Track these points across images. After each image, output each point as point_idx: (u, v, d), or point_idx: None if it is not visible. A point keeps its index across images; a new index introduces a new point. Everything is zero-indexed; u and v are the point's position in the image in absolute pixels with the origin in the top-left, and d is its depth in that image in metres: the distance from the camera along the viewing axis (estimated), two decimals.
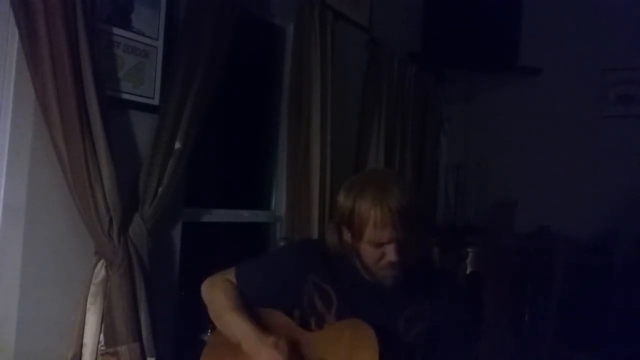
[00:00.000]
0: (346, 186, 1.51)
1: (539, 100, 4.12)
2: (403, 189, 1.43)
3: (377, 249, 1.42)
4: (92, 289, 1.85)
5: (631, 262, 3.63)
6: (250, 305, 1.56)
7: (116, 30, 1.94)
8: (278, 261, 1.65)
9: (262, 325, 1.50)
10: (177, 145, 2.04)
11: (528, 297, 3.36)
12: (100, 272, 1.86)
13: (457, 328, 1.50)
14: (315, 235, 2.68)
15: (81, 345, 1.83)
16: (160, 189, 2.00)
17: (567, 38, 4.01)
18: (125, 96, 1.99)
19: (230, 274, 1.60)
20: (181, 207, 2.25)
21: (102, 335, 1.85)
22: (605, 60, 3.93)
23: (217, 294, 1.57)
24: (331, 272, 1.54)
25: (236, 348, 1.50)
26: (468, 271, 3.40)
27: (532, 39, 3.95)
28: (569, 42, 4.01)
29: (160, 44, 2.09)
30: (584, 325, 3.40)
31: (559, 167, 4.01)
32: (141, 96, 2.03)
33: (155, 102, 2.07)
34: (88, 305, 1.85)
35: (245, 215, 2.78)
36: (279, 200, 2.87)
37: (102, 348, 1.85)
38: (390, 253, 1.41)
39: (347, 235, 1.48)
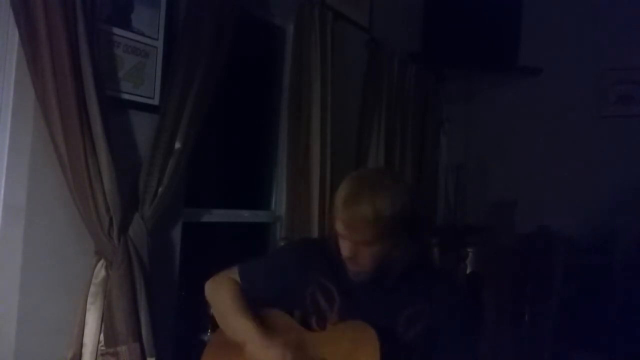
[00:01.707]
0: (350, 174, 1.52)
1: (539, 100, 4.12)
2: (374, 198, 1.36)
3: (342, 239, 1.43)
4: (92, 289, 1.85)
5: (631, 262, 3.63)
6: (254, 305, 1.55)
7: (116, 30, 1.94)
8: (281, 260, 1.65)
9: (266, 326, 1.50)
10: (177, 145, 2.04)
11: (528, 297, 3.36)
12: (100, 272, 1.86)
13: (456, 328, 1.50)
14: (315, 235, 2.68)
15: (81, 345, 1.83)
16: (160, 189, 2.00)
17: (567, 38, 4.02)
18: (125, 96, 1.98)
19: (234, 274, 1.60)
20: (181, 207, 2.25)
21: (102, 335, 1.85)
22: (605, 60, 3.93)
23: (222, 294, 1.57)
24: (333, 270, 1.54)
25: (239, 348, 1.50)
26: (468, 271, 3.40)
27: (532, 39, 3.95)
28: (569, 42, 4.01)
29: (160, 44, 2.09)
30: (584, 325, 3.40)
31: (558, 167, 4.01)
32: (141, 96, 2.03)
33: (155, 102, 2.07)
34: (88, 305, 1.85)
35: (245, 215, 2.78)
36: (279, 200, 2.87)
37: (102, 348, 1.85)
38: (344, 247, 1.42)
39: None
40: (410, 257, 1.50)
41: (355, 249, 1.41)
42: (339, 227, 1.41)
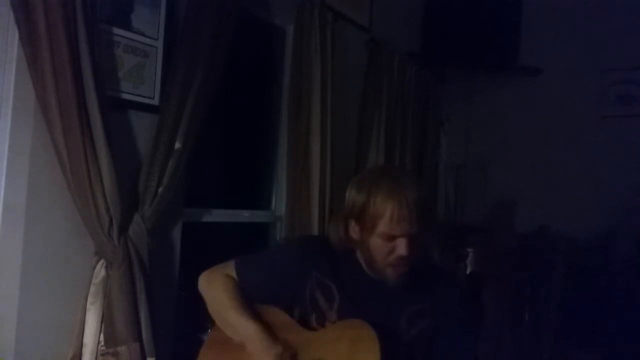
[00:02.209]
0: (357, 180, 1.50)
1: (539, 100, 4.12)
2: (417, 185, 1.45)
3: (388, 242, 1.41)
4: (92, 289, 1.85)
5: (631, 262, 3.62)
6: (250, 301, 1.54)
7: (116, 30, 1.94)
8: (280, 257, 1.62)
9: (264, 324, 1.49)
10: (177, 145, 2.04)
11: (528, 297, 3.36)
12: (100, 272, 1.86)
13: (457, 327, 1.50)
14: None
15: (81, 345, 1.83)
16: (160, 189, 2.00)
17: (567, 38, 4.01)
18: (125, 96, 1.98)
19: (230, 268, 1.57)
20: (181, 207, 2.25)
21: (102, 335, 1.85)
22: (605, 60, 3.93)
23: (218, 291, 1.54)
24: (333, 268, 1.53)
25: (236, 345, 1.49)
26: (468, 271, 3.40)
27: (532, 39, 3.95)
28: (569, 42, 4.00)
29: (160, 44, 2.08)
30: (584, 325, 3.40)
31: (559, 166, 4.01)
32: (141, 96, 2.03)
33: (155, 102, 2.07)
34: (88, 305, 1.85)
35: (245, 215, 2.78)
36: (279, 200, 2.87)
37: (102, 348, 1.85)
38: (401, 247, 1.40)
39: (354, 230, 1.48)
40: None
41: (410, 242, 1.41)
42: (396, 228, 1.39)
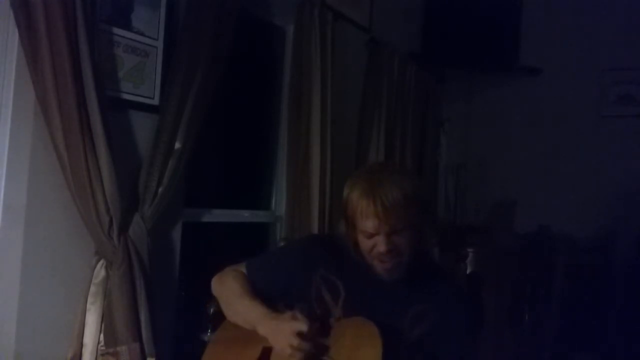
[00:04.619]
0: (348, 179, 1.53)
1: (539, 100, 4.13)
2: (397, 182, 1.43)
3: (369, 239, 1.44)
4: (92, 289, 1.85)
5: (631, 262, 3.63)
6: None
7: (116, 30, 1.94)
8: (288, 254, 1.67)
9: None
10: (177, 145, 2.04)
11: (528, 297, 3.37)
12: (100, 272, 1.86)
13: (457, 328, 1.50)
14: None
15: (81, 345, 1.83)
16: (160, 189, 2.00)
17: (567, 38, 4.02)
18: (125, 96, 1.98)
19: (241, 267, 1.62)
20: (181, 207, 2.25)
21: (102, 335, 1.85)
22: (605, 60, 3.93)
23: (229, 283, 1.57)
24: (338, 266, 1.54)
25: (242, 343, 1.49)
26: (468, 271, 3.40)
27: (532, 39, 3.95)
28: (569, 42, 4.01)
29: (160, 44, 2.08)
30: (584, 325, 3.40)
31: (559, 166, 4.01)
32: (141, 96, 2.03)
33: (155, 102, 2.07)
34: (88, 305, 1.85)
35: (245, 215, 2.78)
36: (279, 200, 2.87)
37: (102, 348, 1.85)
38: (380, 244, 1.42)
39: (347, 226, 1.50)
40: (417, 253, 1.50)
41: (391, 240, 1.41)
42: (367, 225, 1.41)
